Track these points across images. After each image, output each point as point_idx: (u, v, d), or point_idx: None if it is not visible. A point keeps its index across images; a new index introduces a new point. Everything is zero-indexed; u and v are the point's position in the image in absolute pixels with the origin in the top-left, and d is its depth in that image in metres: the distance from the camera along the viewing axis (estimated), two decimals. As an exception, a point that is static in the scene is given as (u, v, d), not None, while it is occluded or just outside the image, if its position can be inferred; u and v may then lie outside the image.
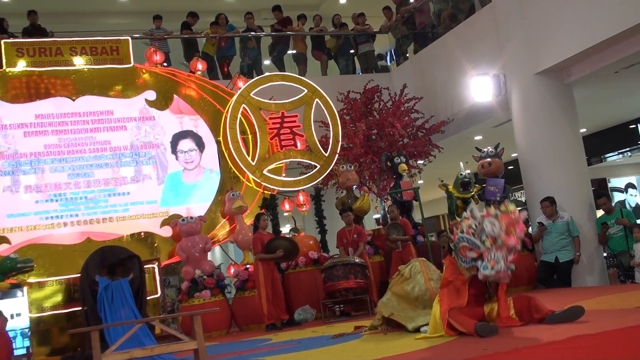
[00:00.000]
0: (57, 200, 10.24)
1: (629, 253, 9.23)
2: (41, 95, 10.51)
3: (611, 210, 9.75)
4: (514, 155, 12.41)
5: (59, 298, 9.15)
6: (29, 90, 10.48)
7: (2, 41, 10.60)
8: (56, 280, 9.27)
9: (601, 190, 13.51)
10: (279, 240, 9.44)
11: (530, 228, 10.33)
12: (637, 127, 14.58)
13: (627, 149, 15.21)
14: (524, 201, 11.82)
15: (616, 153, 15.63)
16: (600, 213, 10.01)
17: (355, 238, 9.58)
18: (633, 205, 17.20)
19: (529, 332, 5.14)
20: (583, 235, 9.55)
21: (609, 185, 17.30)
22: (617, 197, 17.11)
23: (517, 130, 10.44)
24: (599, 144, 15.47)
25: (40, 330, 9.02)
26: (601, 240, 9.66)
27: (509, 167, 13.30)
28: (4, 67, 10.44)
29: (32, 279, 9.21)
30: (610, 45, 9.06)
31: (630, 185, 17.65)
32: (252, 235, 10.31)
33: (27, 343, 12.31)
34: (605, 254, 9.78)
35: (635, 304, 5.94)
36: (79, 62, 10.78)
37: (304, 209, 11.40)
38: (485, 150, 10.26)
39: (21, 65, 10.49)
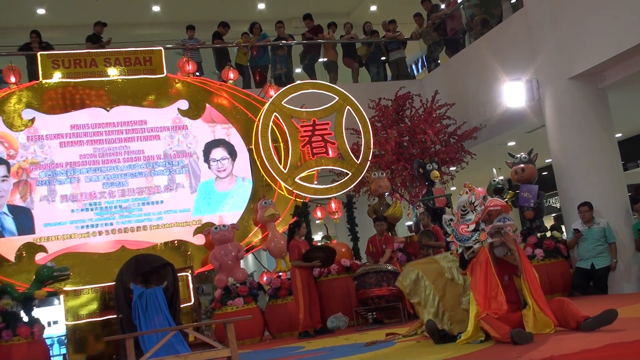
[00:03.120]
0: (92, 210, 10.36)
1: (667, 259, 9.09)
2: (76, 106, 10.67)
3: (648, 215, 9.58)
4: (548, 161, 12.32)
5: (94, 306, 9.15)
6: (65, 101, 10.64)
7: (39, 53, 10.81)
8: (92, 288, 9.27)
9: (638, 196, 13.26)
10: (316, 252, 9.50)
11: (565, 234, 10.21)
12: None
13: (664, 153, 14.98)
14: (558, 207, 11.68)
15: (653, 157, 15.39)
16: (637, 219, 9.82)
17: (384, 248, 9.61)
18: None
19: (564, 339, 5.10)
20: (619, 241, 9.40)
21: (646, 190, 16.97)
22: (654, 202, 16.77)
23: (550, 136, 10.35)
24: (635, 149, 15.25)
25: (76, 337, 9.07)
26: (638, 246, 9.50)
27: (543, 173, 13.21)
28: (40, 78, 10.62)
29: (68, 287, 9.30)
30: (645, 49, 8.94)
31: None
32: (284, 243, 10.44)
33: (63, 350, 12.50)
34: None
35: None
36: (113, 73, 10.93)
37: (336, 216, 11.39)
38: (518, 156, 10.14)
39: (57, 77, 10.67)
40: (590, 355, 4.33)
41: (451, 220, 6.07)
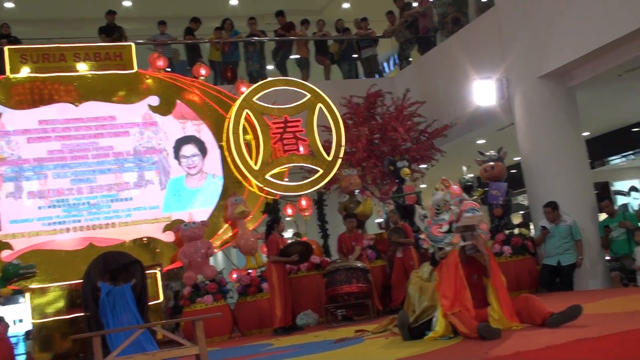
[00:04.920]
0: (59, 206, 10.24)
1: (631, 256, 9.20)
2: (44, 101, 10.54)
3: (614, 213, 9.74)
4: (517, 159, 12.40)
5: (61, 304, 9.27)
6: (33, 96, 10.51)
7: (6, 47, 10.67)
8: (58, 286, 9.41)
9: (604, 194, 13.52)
10: (294, 246, 9.53)
11: (533, 231, 10.35)
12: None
13: (631, 152, 15.23)
14: (526, 205, 11.82)
15: (619, 156, 15.66)
16: (603, 216, 9.99)
17: (353, 245, 9.65)
18: (636, 208, 17.09)
19: (529, 335, 5.16)
20: (586, 238, 9.54)
21: (612, 188, 17.30)
22: (620, 200, 17.09)
23: (520, 134, 10.47)
24: (602, 147, 15.48)
25: (42, 336, 9.13)
26: (604, 243, 9.65)
27: (512, 171, 13.25)
28: (8, 73, 10.48)
29: (34, 285, 9.29)
30: (613, 49, 9.05)
31: (633, 188, 17.65)
32: (254, 240, 10.51)
33: (28, 349, 12.36)
34: (607, 258, 9.79)
35: (637, 307, 5.98)
36: (83, 68, 10.81)
37: (306, 213, 11.44)
38: (488, 154, 10.24)
39: (25, 72, 10.52)
40: (555, 350, 4.38)
41: (425, 216, 6.06)
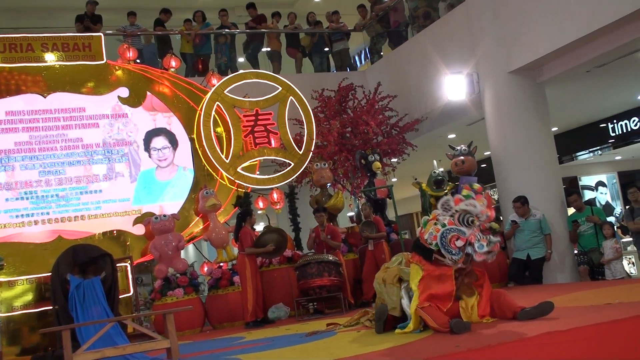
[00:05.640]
0: (27, 198, 10.10)
1: (599, 250, 9.40)
2: (11, 92, 10.37)
3: (582, 208, 9.88)
4: (487, 153, 12.46)
5: (29, 297, 9.15)
6: (-1, 86, 10.36)
7: (-29, 37, 10.47)
8: (27, 279, 9.27)
9: (572, 189, 13.72)
10: (269, 234, 9.54)
11: (502, 225, 10.43)
12: (607, 126, 14.81)
13: (598, 147, 15.44)
14: (496, 199, 11.92)
15: (587, 151, 15.85)
16: (571, 211, 10.14)
17: (328, 238, 9.62)
18: (603, 203, 17.47)
19: (501, 328, 5.22)
20: (554, 232, 9.68)
21: (580, 183, 17.52)
22: (588, 195, 17.36)
23: (490, 129, 10.58)
24: (570, 143, 15.69)
25: (10, 329, 9.00)
26: (572, 237, 9.81)
27: (482, 165, 13.39)
28: (-27, 62, 10.30)
29: (2, 278, 9.17)
30: (582, 45, 9.19)
31: (600, 183, 17.93)
32: (225, 233, 10.51)
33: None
34: (575, 251, 9.93)
35: (604, 300, 6.03)
36: (51, 59, 10.65)
37: (278, 206, 11.45)
38: (458, 148, 10.27)
39: (-10, 61, 10.36)
40: (525, 343, 4.45)
41: (449, 207, 5.73)
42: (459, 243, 5.52)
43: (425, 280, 5.78)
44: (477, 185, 5.81)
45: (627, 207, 10.66)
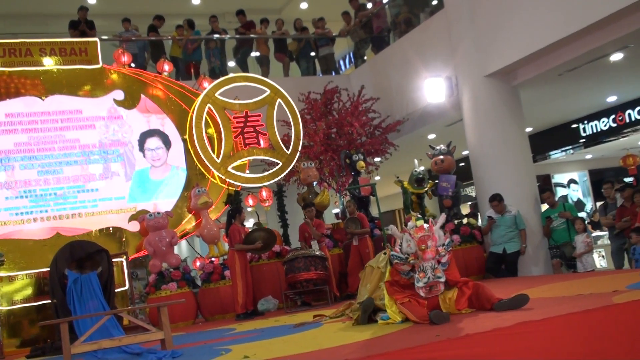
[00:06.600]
0: (27, 197, 10.29)
1: (571, 244, 9.66)
2: (11, 95, 10.58)
3: (555, 204, 10.12)
4: (465, 152, 12.71)
5: (29, 291, 9.26)
6: (-1, 89, 10.54)
7: (-29, 42, 10.66)
8: (26, 274, 9.38)
9: (546, 186, 13.69)
10: (257, 232, 9.67)
11: (480, 221, 10.72)
12: (578, 126, 15.00)
13: (570, 147, 15.60)
14: (474, 196, 12.18)
15: (559, 151, 16.00)
16: (544, 207, 10.38)
17: (314, 229, 9.83)
18: (575, 199, 17.64)
19: (478, 319, 5.32)
20: (529, 228, 9.94)
21: (553, 180, 17.69)
22: (560, 192, 17.53)
23: (467, 130, 10.78)
24: (543, 142, 15.85)
25: (10, 322, 9.14)
26: (545, 232, 10.05)
27: (461, 164, 13.65)
28: (-27, 67, 10.47)
29: (2, 273, 9.32)
30: (554, 50, 9.45)
31: (572, 181, 18.16)
32: (217, 229, 10.63)
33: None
34: (549, 246, 10.12)
35: (576, 291, 6.13)
36: (49, 63, 10.87)
37: (266, 204, 11.63)
38: (438, 148, 10.61)
39: (-10, 66, 10.53)
40: (502, 332, 4.54)
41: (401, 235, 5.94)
42: (405, 267, 5.84)
43: (392, 284, 6.05)
44: (419, 223, 5.89)
45: (602, 202, 10.84)
